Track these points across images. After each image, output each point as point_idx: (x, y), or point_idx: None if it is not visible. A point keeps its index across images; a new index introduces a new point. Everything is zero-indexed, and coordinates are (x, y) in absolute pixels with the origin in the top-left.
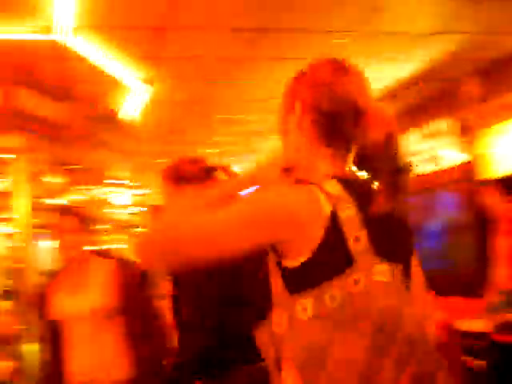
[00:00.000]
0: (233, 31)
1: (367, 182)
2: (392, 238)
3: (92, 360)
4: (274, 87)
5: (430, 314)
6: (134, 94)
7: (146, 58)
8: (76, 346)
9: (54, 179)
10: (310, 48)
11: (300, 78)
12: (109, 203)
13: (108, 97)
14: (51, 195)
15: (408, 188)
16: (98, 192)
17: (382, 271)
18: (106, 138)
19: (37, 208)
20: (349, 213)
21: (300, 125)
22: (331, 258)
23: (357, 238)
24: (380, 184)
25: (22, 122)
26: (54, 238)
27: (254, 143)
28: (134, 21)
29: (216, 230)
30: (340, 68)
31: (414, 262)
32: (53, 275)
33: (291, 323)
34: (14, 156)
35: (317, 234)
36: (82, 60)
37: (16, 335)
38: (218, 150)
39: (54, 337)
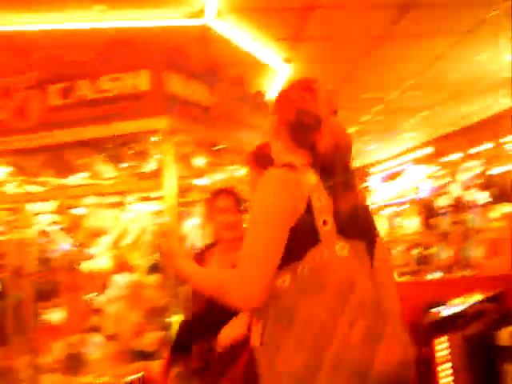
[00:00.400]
0: (374, 9)
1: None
2: (355, 221)
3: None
4: (414, 65)
5: (387, 284)
6: (277, 75)
7: (287, 39)
8: None
9: (200, 160)
10: (452, 23)
11: (277, 97)
12: None
13: (251, 78)
14: (198, 175)
15: (355, 184)
16: (242, 172)
17: (342, 248)
18: (250, 119)
19: (184, 188)
20: (321, 201)
21: (276, 133)
22: (303, 236)
23: (324, 222)
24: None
25: (169, 104)
26: (209, 218)
27: (393, 121)
28: (276, 3)
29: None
30: (306, 88)
31: (379, 243)
32: (201, 253)
33: (272, 292)
34: (161, 138)
35: (296, 217)
36: (227, 43)
37: (164, 307)
38: (354, 129)
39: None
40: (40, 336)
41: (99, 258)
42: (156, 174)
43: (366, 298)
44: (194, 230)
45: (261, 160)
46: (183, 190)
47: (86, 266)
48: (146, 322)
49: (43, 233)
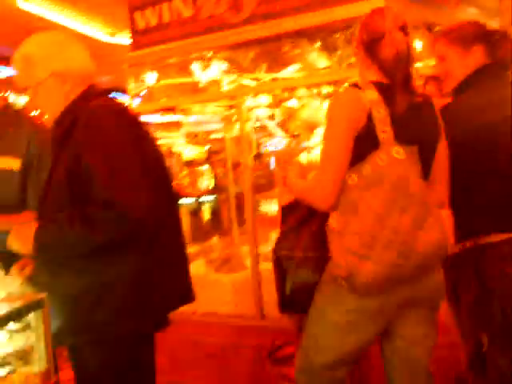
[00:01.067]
0: None
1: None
2: (411, 128)
3: None
4: None
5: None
6: None
7: None
8: None
9: (418, 43)
10: None
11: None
12: None
13: None
14: (416, 60)
15: (415, 88)
16: None
17: (398, 151)
18: None
19: None
20: (380, 112)
21: (357, 52)
22: (366, 142)
23: (384, 131)
24: (397, 87)
25: None
26: None
27: None
28: None
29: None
30: (377, 12)
31: (441, 147)
32: None
33: (344, 188)
34: None
35: (360, 126)
36: None
37: None
38: None
39: None
40: (258, 227)
41: (314, 150)
42: None
43: (415, 192)
44: None
45: (464, 37)
46: None
47: (302, 159)
48: None
49: (259, 128)
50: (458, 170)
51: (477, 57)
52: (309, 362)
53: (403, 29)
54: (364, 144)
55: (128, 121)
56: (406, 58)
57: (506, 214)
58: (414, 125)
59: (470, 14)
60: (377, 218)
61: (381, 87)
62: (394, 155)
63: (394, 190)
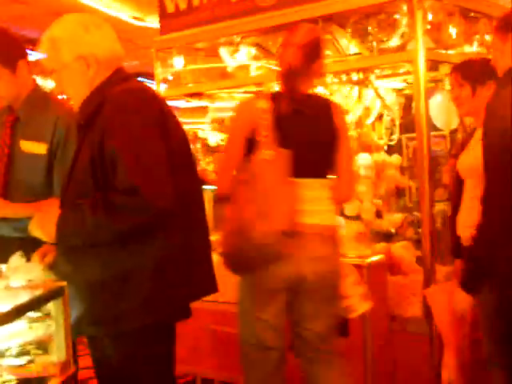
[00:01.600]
0: None
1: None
2: (294, 133)
3: None
4: None
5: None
6: None
7: None
8: None
9: (452, 30)
10: None
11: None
12: None
13: None
14: (449, 47)
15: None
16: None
17: (269, 154)
18: None
19: (433, 60)
20: (264, 119)
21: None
22: (251, 144)
23: (264, 135)
24: (283, 97)
25: None
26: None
27: None
28: None
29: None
30: (292, 28)
31: (340, 147)
32: None
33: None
34: (409, 6)
35: (249, 130)
36: None
37: (405, 189)
38: None
39: None
40: None
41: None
42: (402, 48)
43: (266, 188)
44: (441, 108)
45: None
46: (432, 65)
47: None
48: (388, 203)
49: None
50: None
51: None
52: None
53: (303, 46)
54: (250, 146)
55: (155, 106)
56: (296, 72)
57: None
58: (296, 130)
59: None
60: (234, 205)
61: (273, 97)
62: (263, 157)
63: (250, 185)
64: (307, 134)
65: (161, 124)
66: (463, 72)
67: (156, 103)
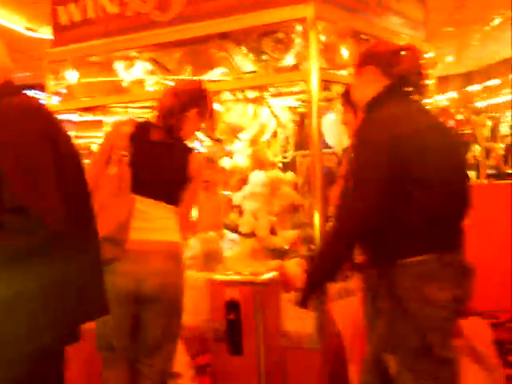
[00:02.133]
0: None
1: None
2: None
3: None
4: None
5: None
6: None
7: None
8: None
9: (344, 51)
10: None
11: None
12: None
13: None
14: (341, 68)
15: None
16: None
17: (113, 170)
18: (396, 6)
19: (326, 80)
20: (122, 142)
21: None
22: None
23: (121, 156)
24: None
25: None
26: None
27: None
28: None
29: None
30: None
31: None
32: None
33: None
34: (305, 27)
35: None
36: None
37: (299, 206)
38: None
39: None
40: None
41: (238, 155)
42: (297, 67)
43: (101, 199)
44: (333, 126)
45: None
46: (325, 85)
47: (224, 163)
48: (282, 219)
49: None
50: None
51: (369, 77)
52: None
53: (179, 93)
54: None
55: (43, 121)
56: (169, 115)
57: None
58: (151, 156)
59: (395, 23)
60: None
61: (141, 124)
62: (108, 172)
63: (96, 197)
64: (160, 163)
65: (49, 139)
66: (345, 98)
67: (44, 117)
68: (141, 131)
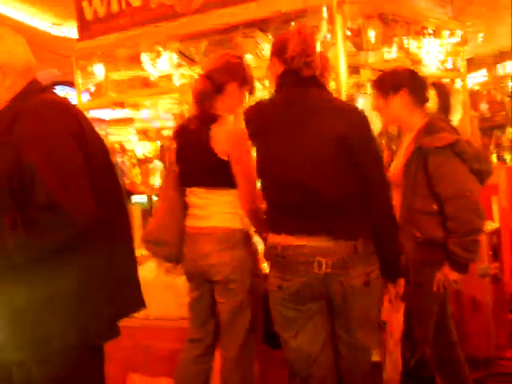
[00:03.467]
0: None
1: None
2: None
3: None
4: None
5: None
6: None
7: None
8: None
9: (372, 33)
10: None
11: None
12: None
13: None
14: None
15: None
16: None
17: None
18: None
19: (354, 66)
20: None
21: None
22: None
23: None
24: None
25: None
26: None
27: None
28: None
29: None
30: None
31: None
32: None
33: None
34: (328, 11)
35: None
36: None
37: None
38: None
39: None
40: None
41: None
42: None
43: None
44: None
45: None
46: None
47: None
48: None
49: None
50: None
51: (273, 69)
52: None
53: (208, 75)
54: None
55: (71, 118)
56: (203, 97)
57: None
58: (185, 150)
59: (423, 2)
60: None
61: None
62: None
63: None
64: (193, 151)
65: (78, 136)
66: (376, 85)
67: (72, 115)
68: (181, 128)
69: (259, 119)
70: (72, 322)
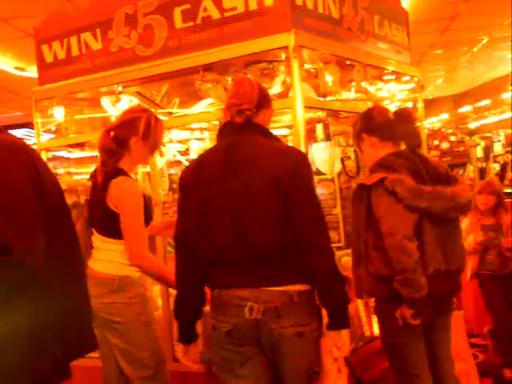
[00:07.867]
0: None
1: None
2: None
3: None
4: None
5: None
6: None
7: None
8: None
9: (329, 78)
10: None
11: None
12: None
13: None
14: (326, 95)
15: None
16: (375, 89)
17: None
18: (381, 30)
19: (311, 107)
20: None
21: None
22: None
23: None
24: None
25: (296, 18)
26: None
27: None
28: None
29: None
30: None
31: None
32: None
33: None
34: (287, 55)
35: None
36: None
37: None
38: None
39: None
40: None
41: None
42: (284, 95)
43: None
44: (321, 153)
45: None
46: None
47: None
48: None
49: (171, 163)
50: None
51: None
52: None
53: (108, 131)
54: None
55: (27, 159)
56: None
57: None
58: (91, 198)
59: (380, 48)
60: None
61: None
62: None
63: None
64: (91, 199)
65: (33, 176)
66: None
67: (27, 156)
68: (93, 176)
69: (198, 168)
70: (21, 360)
